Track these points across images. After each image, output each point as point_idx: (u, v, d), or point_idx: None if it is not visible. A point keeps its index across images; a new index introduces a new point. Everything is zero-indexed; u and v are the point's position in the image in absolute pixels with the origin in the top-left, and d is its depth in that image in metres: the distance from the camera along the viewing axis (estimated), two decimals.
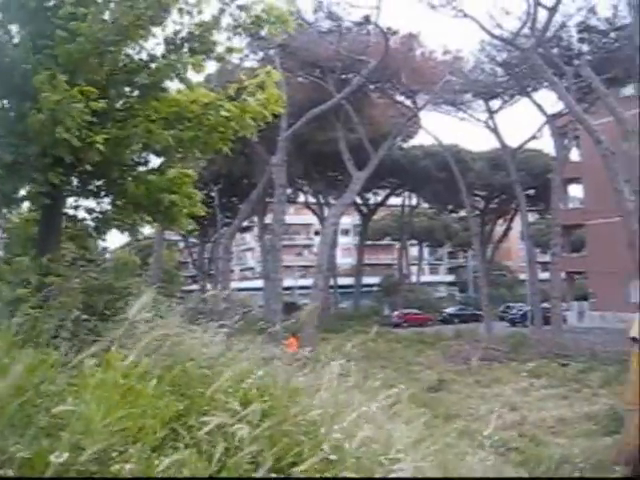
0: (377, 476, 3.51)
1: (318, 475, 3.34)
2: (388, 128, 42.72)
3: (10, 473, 2.39)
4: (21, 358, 3.36)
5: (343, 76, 39.81)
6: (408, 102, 45.82)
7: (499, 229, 67.56)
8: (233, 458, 3.10)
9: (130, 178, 6.71)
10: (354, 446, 3.54)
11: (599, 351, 31.69)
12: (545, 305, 42.42)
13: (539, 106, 42.89)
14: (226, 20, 6.96)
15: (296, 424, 3.85)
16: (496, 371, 28.71)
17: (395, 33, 38.96)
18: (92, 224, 7.39)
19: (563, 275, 49.00)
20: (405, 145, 57.02)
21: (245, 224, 58.84)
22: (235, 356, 5.58)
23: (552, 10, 32.92)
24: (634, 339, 9.57)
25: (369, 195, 65.54)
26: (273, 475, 3.23)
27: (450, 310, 63.04)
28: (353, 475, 3.34)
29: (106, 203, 7.55)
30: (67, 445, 2.57)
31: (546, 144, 56.16)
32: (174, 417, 3.41)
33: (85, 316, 6.16)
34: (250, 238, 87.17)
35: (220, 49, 7.01)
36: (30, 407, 3.01)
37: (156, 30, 6.53)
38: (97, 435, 2.45)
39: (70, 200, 7.19)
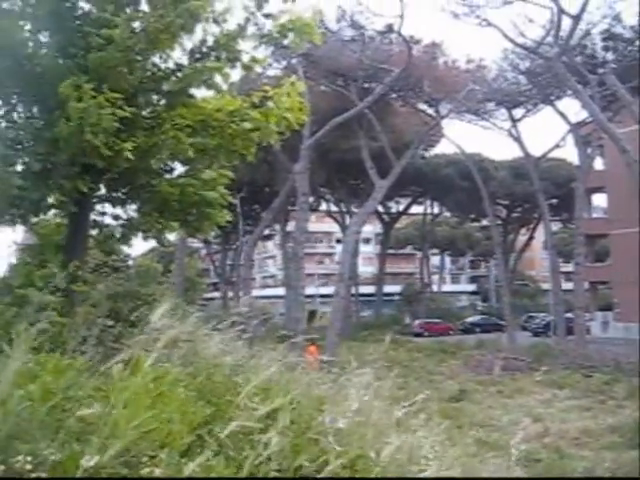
0: None
1: None
2: (410, 137, 42.72)
3: (43, 476, 2.43)
4: (49, 363, 3.40)
5: (366, 85, 39.91)
6: (431, 111, 45.79)
7: (522, 238, 67.14)
8: (257, 460, 3.12)
9: (162, 181, 6.78)
10: (381, 455, 3.54)
11: (623, 362, 31.33)
12: (568, 315, 42.06)
13: (563, 115, 42.68)
14: (251, 29, 7.01)
15: (322, 432, 3.85)
16: (519, 381, 28.47)
17: (418, 42, 39.03)
18: (119, 230, 7.47)
19: (587, 285, 48.51)
20: (427, 154, 56.98)
21: (266, 232, 59.05)
22: (257, 363, 5.62)
23: (576, 18, 32.74)
24: None
25: (391, 203, 65.51)
26: None
27: (472, 320, 62.64)
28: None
29: (132, 210, 7.62)
30: (96, 449, 2.60)
31: (569, 153, 55.82)
32: (201, 423, 3.43)
33: (110, 322, 6.23)
34: (272, 246, 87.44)
35: (246, 58, 7.05)
36: (60, 411, 3.04)
37: (182, 40, 6.60)
38: (126, 439, 2.48)
39: (97, 207, 7.27)
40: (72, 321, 5.67)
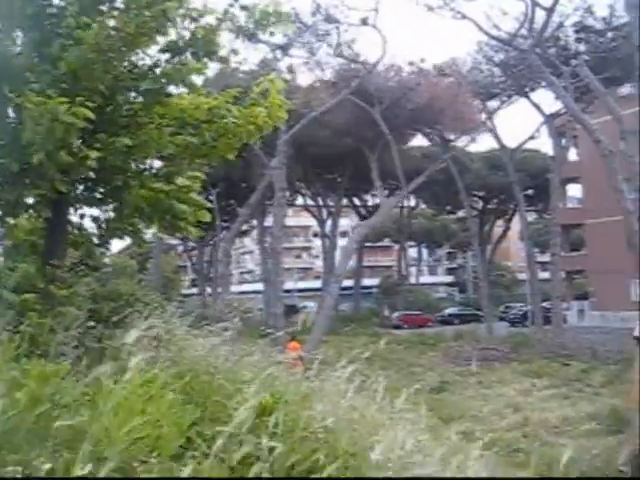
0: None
1: None
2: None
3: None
4: (33, 370, 3.34)
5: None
6: None
7: (498, 229, 67.58)
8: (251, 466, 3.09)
9: (136, 184, 6.67)
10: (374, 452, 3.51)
11: (600, 350, 31.70)
12: (545, 305, 42.46)
13: (537, 106, 42.97)
14: (228, 24, 6.93)
15: (311, 431, 3.83)
16: (498, 372, 28.71)
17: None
18: (97, 232, 7.35)
19: (563, 274, 49.00)
20: (404, 146, 56.94)
21: (244, 227, 58.81)
22: (241, 361, 5.59)
23: (550, 10, 32.96)
24: (638, 339, 9.55)
25: (367, 197, 65.52)
26: None
27: (450, 311, 63.00)
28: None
29: (110, 210, 7.48)
30: (88, 457, 2.57)
31: (544, 144, 56.13)
32: (190, 426, 3.40)
33: (92, 323, 6.15)
34: (249, 241, 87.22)
35: (223, 52, 6.97)
36: (47, 419, 2.99)
37: (159, 37, 6.50)
38: (119, 446, 2.44)
39: (75, 208, 7.14)
40: (52, 323, 5.57)
